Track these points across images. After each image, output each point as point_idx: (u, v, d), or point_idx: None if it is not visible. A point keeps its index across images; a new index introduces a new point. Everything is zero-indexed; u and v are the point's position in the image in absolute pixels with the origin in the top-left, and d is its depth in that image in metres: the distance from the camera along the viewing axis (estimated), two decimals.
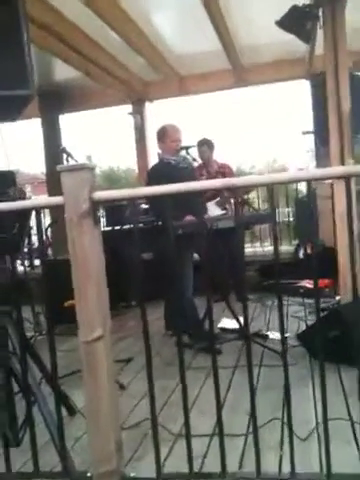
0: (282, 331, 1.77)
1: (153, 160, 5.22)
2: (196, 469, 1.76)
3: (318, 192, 5.91)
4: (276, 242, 1.77)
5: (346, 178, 1.64)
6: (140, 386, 2.89)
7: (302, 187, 8.25)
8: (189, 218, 3.61)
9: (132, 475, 1.70)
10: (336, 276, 3.82)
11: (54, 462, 1.97)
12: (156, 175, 3.76)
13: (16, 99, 2.02)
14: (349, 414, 2.30)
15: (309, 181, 1.75)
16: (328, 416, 1.60)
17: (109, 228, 5.41)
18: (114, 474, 1.66)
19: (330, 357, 2.70)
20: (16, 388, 2.15)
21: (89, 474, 1.72)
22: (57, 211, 5.28)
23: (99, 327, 1.71)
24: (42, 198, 1.74)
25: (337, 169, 2.20)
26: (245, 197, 4.63)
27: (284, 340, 1.76)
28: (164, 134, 3.90)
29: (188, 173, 3.89)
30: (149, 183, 3.80)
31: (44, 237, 5.56)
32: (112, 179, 26.82)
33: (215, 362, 1.74)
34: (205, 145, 5.30)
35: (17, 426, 2.11)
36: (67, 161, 3.23)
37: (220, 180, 1.83)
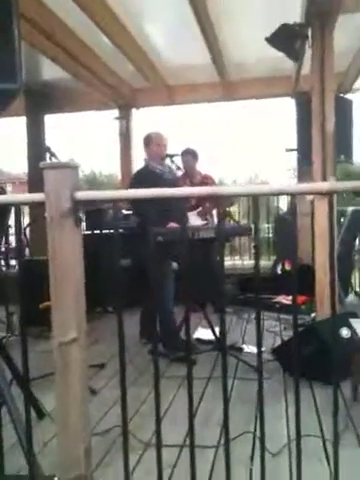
0: (259, 345, 1.76)
1: (137, 167, 5.20)
2: (165, 479, 1.72)
3: (298, 209, 5.97)
4: (257, 253, 1.76)
5: (329, 194, 1.64)
6: (111, 393, 2.85)
7: (283, 204, 8.34)
8: (172, 225, 3.60)
9: None
10: (312, 293, 3.85)
11: (21, 465, 1.92)
12: (140, 180, 3.75)
13: (2, 93, 1.98)
14: (321, 431, 2.30)
15: (293, 195, 1.76)
16: (300, 433, 1.59)
17: (88, 232, 5.36)
18: (82, 479, 1.61)
19: (304, 373, 2.72)
20: None
21: (56, 478, 1.67)
22: (36, 211, 5.22)
23: (74, 329, 1.67)
24: (22, 195, 1.70)
25: (322, 184, 2.22)
26: (227, 209, 4.65)
27: (260, 354, 1.75)
28: (150, 140, 3.91)
29: (172, 183, 3.88)
30: (132, 187, 3.78)
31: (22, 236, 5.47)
32: (94, 183, 26.69)
33: (190, 373, 1.71)
34: (189, 154, 5.31)
35: None
36: (51, 161, 3.20)
37: (207, 188, 1.81)
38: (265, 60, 5.31)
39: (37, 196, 1.72)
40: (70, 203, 1.62)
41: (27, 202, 1.82)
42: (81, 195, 1.65)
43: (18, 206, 1.74)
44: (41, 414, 2.46)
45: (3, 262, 4.92)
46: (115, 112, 6.63)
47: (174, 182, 3.98)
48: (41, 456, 1.99)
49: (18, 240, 1.85)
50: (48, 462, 1.95)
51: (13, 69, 1.92)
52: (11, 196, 1.80)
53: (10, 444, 1.96)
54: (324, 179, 3.70)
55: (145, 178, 3.73)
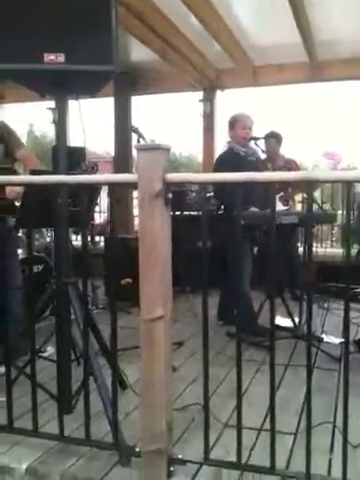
0: (347, 336, 1.72)
1: (219, 149, 5.19)
2: (243, 460, 1.75)
3: None
4: (348, 244, 1.71)
5: None
6: (189, 371, 2.91)
7: None
8: (253, 209, 3.57)
9: (180, 456, 1.71)
10: None
11: (104, 432, 2.02)
12: (224, 163, 3.74)
13: (99, 74, 2.05)
14: None
15: None
16: None
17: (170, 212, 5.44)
18: (163, 453, 1.68)
19: None
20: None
21: (137, 449, 1.75)
22: (120, 190, 5.38)
23: (161, 307, 1.73)
24: (116, 175, 1.77)
25: None
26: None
27: (346, 345, 1.71)
28: (235, 122, 3.86)
29: (255, 166, 3.83)
30: (217, 170, 3.78)
31: (107, 215, 5.67)
32: (174, 165, 26.91)
33: (273, 358, 1.71)
34: (273, 138, 5.19)
35: (71, 393, 2.18)
36: (138, 141, 3.27)
37: (298, 173, 1.78)
38: (356, 40, 5.06)
39: (130, 176, 1.78)
40: (161, 185, 1.66)
41: (121, 182, 1.88)
42: (171, 177, 1.68)
43: (111, 186, 1.80)
44: (124, 385, 2.56)
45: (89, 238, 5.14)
46: (199, 94, 6.61)
47: (257, 165, 3.93)
48: (123, 426, 2.08)
49: (110, 220, 1.92)
50: (129, 433, 2.03)
51: (110, 52, 1.98)
52: (105, 176, 1.87)
53: (94, 412, 2.07)
54: None
55: (230, 161, 3.71)
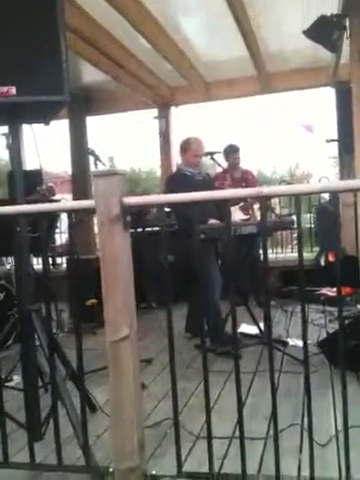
0: (305, 338, 1.80)
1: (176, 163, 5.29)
2: (215, 470, 1.79)
3: (341, 199, 5.89)
4: (301, 251, 1.80)
5: None
6: (160, 387, 2.94)
7: (325, 194, 8.19)
8: (212, 221, 3.66)
9: (153, 472, 1.75)
10: (358, 285, 3.82)
11: (76, 456, 2.03)
12: (174, 183, 3.95)
13: (51, 104, 2.09)
14: None
15: (334, 192, 1.78)
16: (348, 424, 1.63)
17: (131, 230, 5.48)
18: (136, 470, 1.70)
19: (351, 365, 2.73)
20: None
21: (111, 469, 1.77)
22: (81, 212, 5.39)
23: (125, 327, 1.76)
24: (73, 202, 1.81)
25: None
26: (268, 203, 4.65)
27: (306, 347, 1.79)
28: (187, 147, 3.98)
29: (203, 184, 3.95)
30: (167, 191, 3.91)
31: (67, 237, 5.65)
32: (133, 180, 26.96)
33: (238, 366, 1.77)
34: (238, 151, 5.37)
35: (40, 420, 2.18)
36: (95, 164, 3.31)
37: (250, 189, 1.86)
38: (302, 51, 5.27)
39: (87, 203, 1.82)
40: (119, 209, 1.70)
41: (78, 209, 1.92)
42: (129, 201, 1.73)
43: (70, 212, 1.84)
44: (93, 408, 2.57)
45: (51, 261, 5.11)
46: (154, 111, 6.72)
47: (205, 183, 4.04)
48: (95, 448, 2.10)
49: (71, 243, 1.96)
50: (102, 454, 2.06)
51: (61, 81, 2.02)
52: (63, 204, 1.90)
53: (65, 436, 2.08)
54: None
55: (178, 180, 3.92)
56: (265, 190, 1.68)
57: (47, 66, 2.01)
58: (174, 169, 4.35)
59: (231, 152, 5.31)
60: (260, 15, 4.45)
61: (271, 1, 4.19)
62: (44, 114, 2.25)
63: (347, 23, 3.69)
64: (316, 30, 3.80)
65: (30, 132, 2.42)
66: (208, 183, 4.15)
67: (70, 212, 1.88)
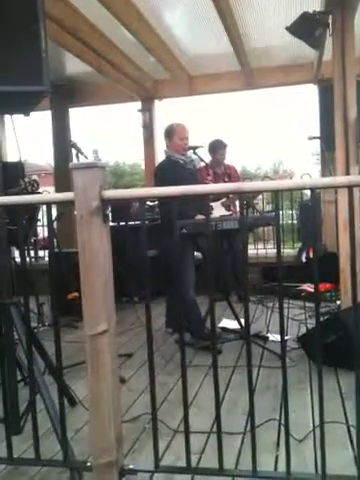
0: (282, 333, 1.80)
1: (160, 157, 5.27)
2: (193, 464, 1.80)
3: (323, 196, 5.95)
4: (279, 247, 1.80)
5: (349, 188, 1.66)
6: (139, 381, 2.94)
7: (307, 190, 8.24)
8: (200, 217, 3.65)
9: (131, 467, 1.74)
10: (337, 281, 3.86)
11: (54, 450, 2.02)
12: (165, 173, 3.79)
13: (30, 95, 2.06)
14: (345, 418, 2.34)
15: (313, 189, 1.79)
16: (325, 419, 1.64)
17: (114, 223, 5.45)
18: (114, 465, 1.70)
19: (329, 361, 2.76)
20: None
21: (89, 464, 1.76)
22: (63, 205, 5.34)
23: (104, 322, 1.75)
24: (53, 195, 1.79)
25: (341, 179, 2.23)
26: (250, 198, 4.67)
27: (284, 343, 1.80)
28: (172, 132, 3.92)
29: (193, 175, 3.93)
30: (157, 180, 3.84)
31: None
32: (117, 173, 26.86)
33: (215, 361, 1.78)
34: (226, 147, 5.36)
35: (19, 414, 2.17)
36: (77, 156, 3.27)
37: (231, 184, 1.86)
38: (286, 47, 5.28)
39: (67, 195, 1.79)
40: (98, 202, 1.69)
41: (57, 201, 1.90)
42: (109, 194, 1.71)
43: (49, 205, 1.82)
44: (73, 402, 2.56)
45: (32, 254, 5.06)
46: (138, 104, 6.68)
47: (194, 174, 4.02)
48: (73, 442, 2.09)
49: (50, 236, 1.93)
50: (80, 448, 2.05)
51: (40, 71, 1.99)
52: (42, 196, 1.88)
53: (43, 430, 2.06)
54: (347, 167, 3.69)
55: (170, 170, 3.77)
56: (245, 186, 1.68)
57: (26, 56, 1.98)
58: (161, 158, 4.24)
59: (219, 148, 5.29)
60: (244, 11, 4.44)
61: None
62: (24, 105, 2.22)
63: (330, 20, 3.70)
64: (299, 26, 3.80)
65: (10, 123, 2.38)
66: (197, 174, 4.13)
67: (49, 204, 1.85)
